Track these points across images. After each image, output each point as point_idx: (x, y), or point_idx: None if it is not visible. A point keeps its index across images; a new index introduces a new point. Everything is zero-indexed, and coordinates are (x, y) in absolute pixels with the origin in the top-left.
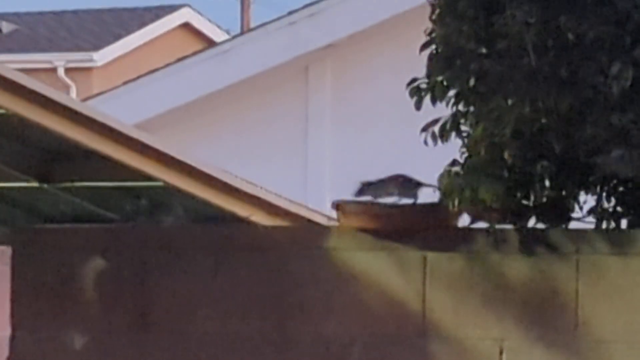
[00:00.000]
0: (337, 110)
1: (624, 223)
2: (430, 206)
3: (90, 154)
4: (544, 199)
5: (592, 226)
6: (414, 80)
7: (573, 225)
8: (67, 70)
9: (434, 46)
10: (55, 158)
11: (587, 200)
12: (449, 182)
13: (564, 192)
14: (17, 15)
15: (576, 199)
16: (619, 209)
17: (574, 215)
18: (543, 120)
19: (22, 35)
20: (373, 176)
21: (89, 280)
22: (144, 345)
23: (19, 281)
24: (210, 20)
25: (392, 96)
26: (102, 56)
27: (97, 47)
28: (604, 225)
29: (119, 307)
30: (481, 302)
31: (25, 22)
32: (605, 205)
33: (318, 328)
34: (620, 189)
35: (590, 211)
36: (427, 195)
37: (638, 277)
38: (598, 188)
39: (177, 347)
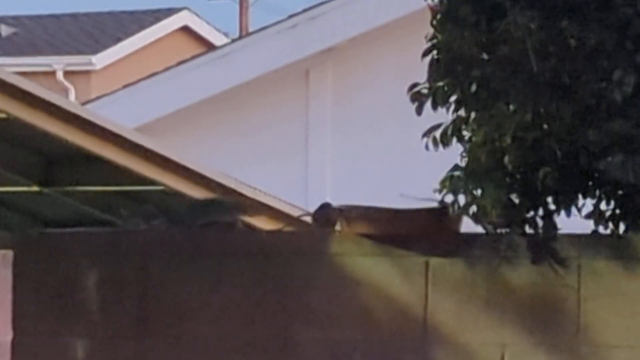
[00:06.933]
0: (338, 114)
1: (622, 227)
2: (433, 211)
3: (91, 158)
4: (545, 204)
5: (590, 230)
6: (415, 85)
7: (573, 229)
8: (66, 74)
9: (435, 52)
10: (56, 162)
11: (585, 203)
12: (450, 187)
13: (562, 197)
14: (16, 18)
15: (575, 204)
16: (617, 212)
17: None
18: (544, 126)
19: (21, 38)
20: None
21: (91, 285)
22: (146, 349)
23: (21, 285)
24: (209, 24)
25: (393, 99)
26: (101, 59)
27: (96, 51)
28: (601, 229)
29: (120, 311)
30: (483, 307)
31: (25, 25)
32: (604, 208)
33: (321, 333)
34: (619, 192)
35: (589, 215)
36: (429, 201)
37: (639, 281)
38: (597, 192)
39: (179, 353)
